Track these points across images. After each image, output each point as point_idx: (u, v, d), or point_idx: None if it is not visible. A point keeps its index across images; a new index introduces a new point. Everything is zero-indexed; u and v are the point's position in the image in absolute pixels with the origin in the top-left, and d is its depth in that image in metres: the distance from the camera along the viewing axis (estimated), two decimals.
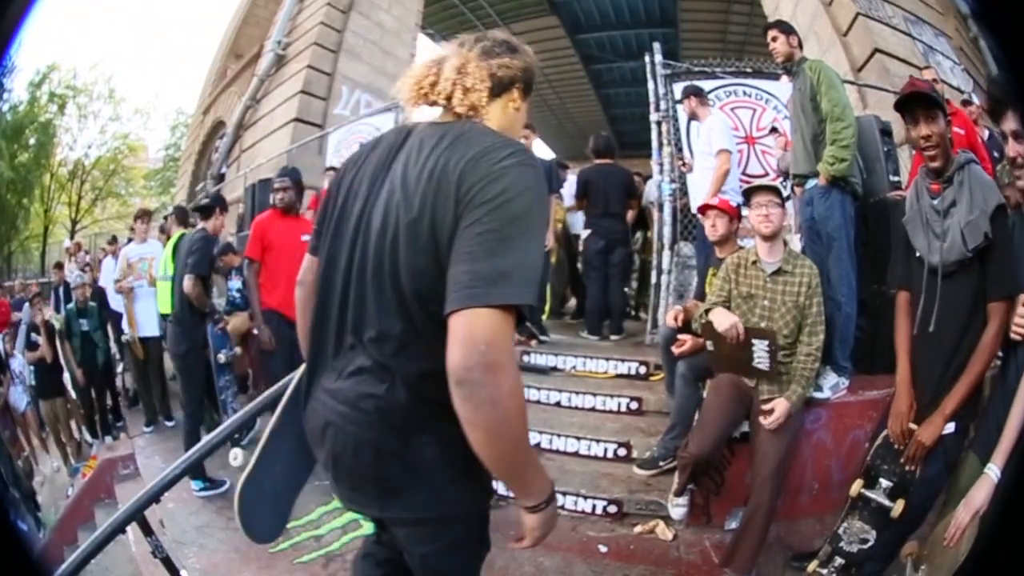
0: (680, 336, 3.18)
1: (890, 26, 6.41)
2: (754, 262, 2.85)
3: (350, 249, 1.26)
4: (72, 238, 11.26)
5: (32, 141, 10.57)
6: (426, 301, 1.13)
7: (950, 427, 2.14)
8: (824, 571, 2.60)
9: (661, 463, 3.28)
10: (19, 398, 6.00)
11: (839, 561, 2.56)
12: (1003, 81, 2.03)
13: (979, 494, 1.78)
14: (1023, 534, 1.33)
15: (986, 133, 4.35)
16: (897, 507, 2.31)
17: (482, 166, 1.11)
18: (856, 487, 2.43)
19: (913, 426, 2.24)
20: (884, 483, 2.38)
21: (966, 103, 4.67)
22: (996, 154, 4.05)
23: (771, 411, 2.65)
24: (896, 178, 3.72)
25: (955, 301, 2.13)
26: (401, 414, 1.19)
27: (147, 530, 2.58)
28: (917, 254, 2.26)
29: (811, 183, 3.32)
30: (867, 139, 3.67)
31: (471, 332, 1.02)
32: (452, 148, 1.15)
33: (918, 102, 2.17)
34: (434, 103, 1.28)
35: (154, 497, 2.65)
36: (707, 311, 2.84)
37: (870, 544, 2.45)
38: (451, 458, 1.19)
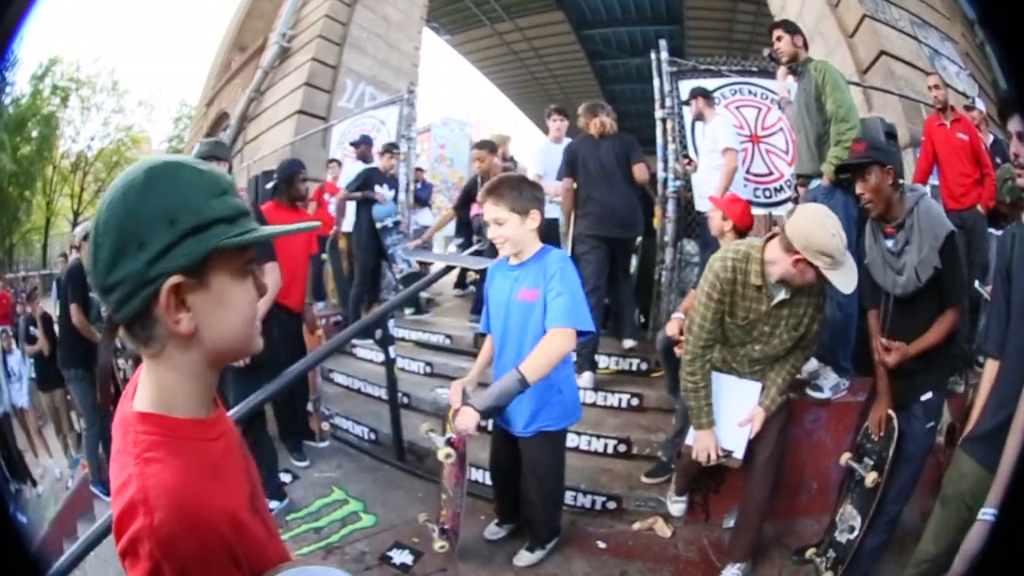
0: (683, 336, 3.17)
1: (896, 29, 6.36)
2: (758, 287, 2.41)
3: (597, 170, 4.09)
4: (74, 230, 11.28)
5: (35, 134, 10.56)
6: (630, 177, 4.14)
7: (928, 395, 2.43)
8: (819, 560, 2.67)
9: (672, 467, 3.23)
10: (18, 394, 6.01)
11: (832, 554, 2.63)
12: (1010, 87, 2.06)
13: (975, 541, 1.72)
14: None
15: (991, 138, 4.34)
16: (870, 477, 2.46)
17: (633, 139, 4.27)
18: (845, 457, 2.61)
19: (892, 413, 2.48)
20: (867, 461, 2.54)
21: (968, 108, 4.67)
22: (999, 160, 4.06)
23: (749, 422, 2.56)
24: (901, 180, 3.71)
25: (911, 317, 2.44)
26: (636, 208, 4.25)
27: None
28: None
29: (815, 183, 3.32)
30: None
31: (643, 171, 4.21)
32: (622, 139, 4.20)
33: (850, 169, 2.56)
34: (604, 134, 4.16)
35: None
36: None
37: (856, 533, 2.52)
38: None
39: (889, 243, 2.46)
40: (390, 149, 6.05)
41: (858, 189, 2.46)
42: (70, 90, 11.16)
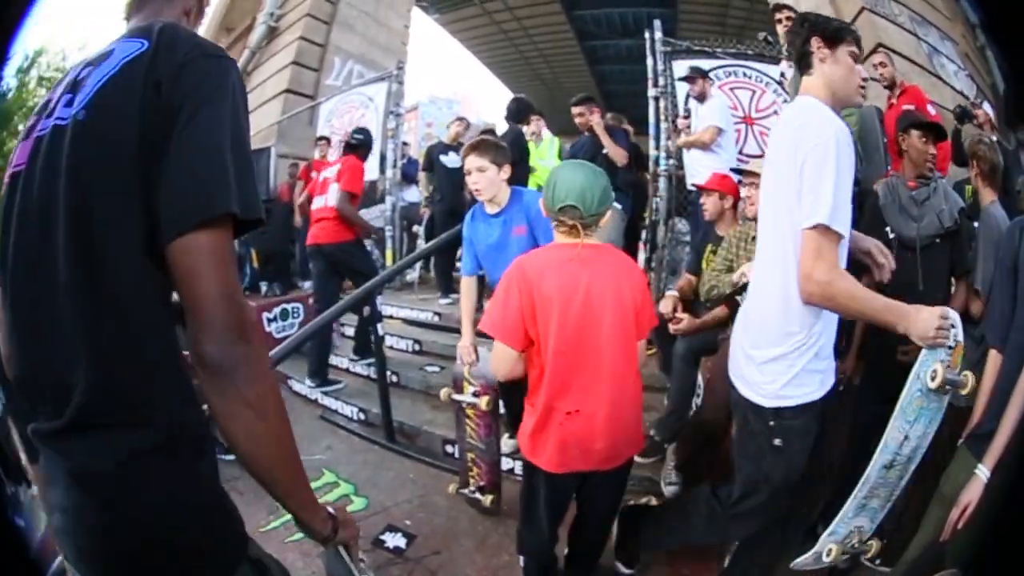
0: (677, 314, 3.14)
1: (896, 24, 6.31)
2: (754, 238, 2.77)
3: None
4: None
5: (21, 127, 10.39)
6: None
7: None
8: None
9: (666, 445, 3.20)
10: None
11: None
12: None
13: (968, 495, 1.77)
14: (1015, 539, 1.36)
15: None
16: None
17: None
18: None
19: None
20: None
21: (975, 106, 4.72)
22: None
23: None
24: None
25: (935, 268, 2.66)
26: None
27: None
28: (890, 235, 2.70)
29: None
30: (867, 129, 3.73)
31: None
32: None
33: (937, 131, 2.81)
34: None
35: None
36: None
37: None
38: None
39: (913, 193, 2.75)
40: (457, 120, 6.39)
41: (931, 151, 2.77)
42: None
